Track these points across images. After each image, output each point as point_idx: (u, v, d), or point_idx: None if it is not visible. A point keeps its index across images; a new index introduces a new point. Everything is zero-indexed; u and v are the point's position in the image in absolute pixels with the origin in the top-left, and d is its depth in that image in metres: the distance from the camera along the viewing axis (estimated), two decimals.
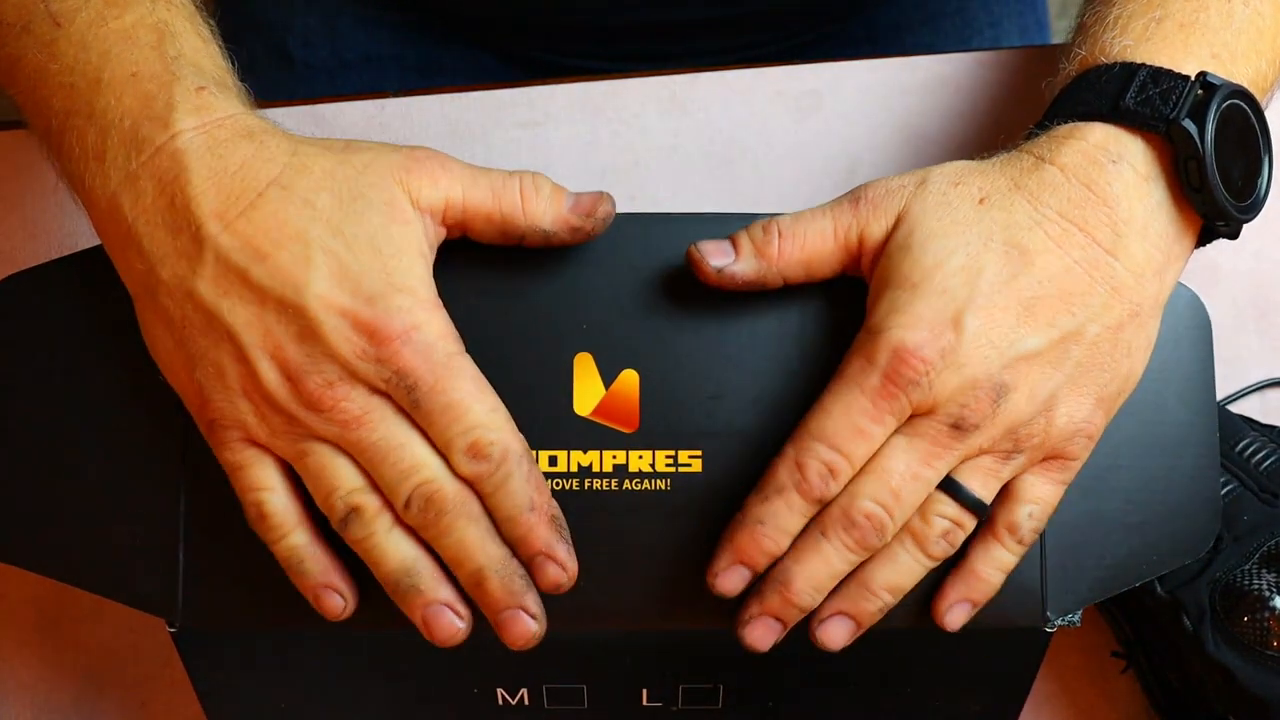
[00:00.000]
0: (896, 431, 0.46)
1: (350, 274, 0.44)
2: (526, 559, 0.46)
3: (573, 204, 0.47)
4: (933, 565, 0.48)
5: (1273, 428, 0.59)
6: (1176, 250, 0.48)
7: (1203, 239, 0.49)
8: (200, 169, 0.45)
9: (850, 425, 0.45)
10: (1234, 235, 0.49)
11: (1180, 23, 0.49)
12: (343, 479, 0.46)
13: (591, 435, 0.49)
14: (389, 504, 0.46)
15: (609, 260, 0.49)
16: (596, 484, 0.49)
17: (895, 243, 0.47)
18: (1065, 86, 0.50)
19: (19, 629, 0.61)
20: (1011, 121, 0.63)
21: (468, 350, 0.46)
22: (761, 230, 0.48)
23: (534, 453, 0.48)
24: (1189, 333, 0.51)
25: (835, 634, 0.48)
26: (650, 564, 0.49)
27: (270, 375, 0.45)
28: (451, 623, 0.47)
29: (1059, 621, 0.50)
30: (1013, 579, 0.49)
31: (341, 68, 0.78)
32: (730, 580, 0.47)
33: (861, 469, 0.46)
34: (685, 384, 0.49)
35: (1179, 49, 0.48)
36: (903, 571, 0.47)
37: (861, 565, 0.47)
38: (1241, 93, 0.48)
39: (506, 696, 0.53)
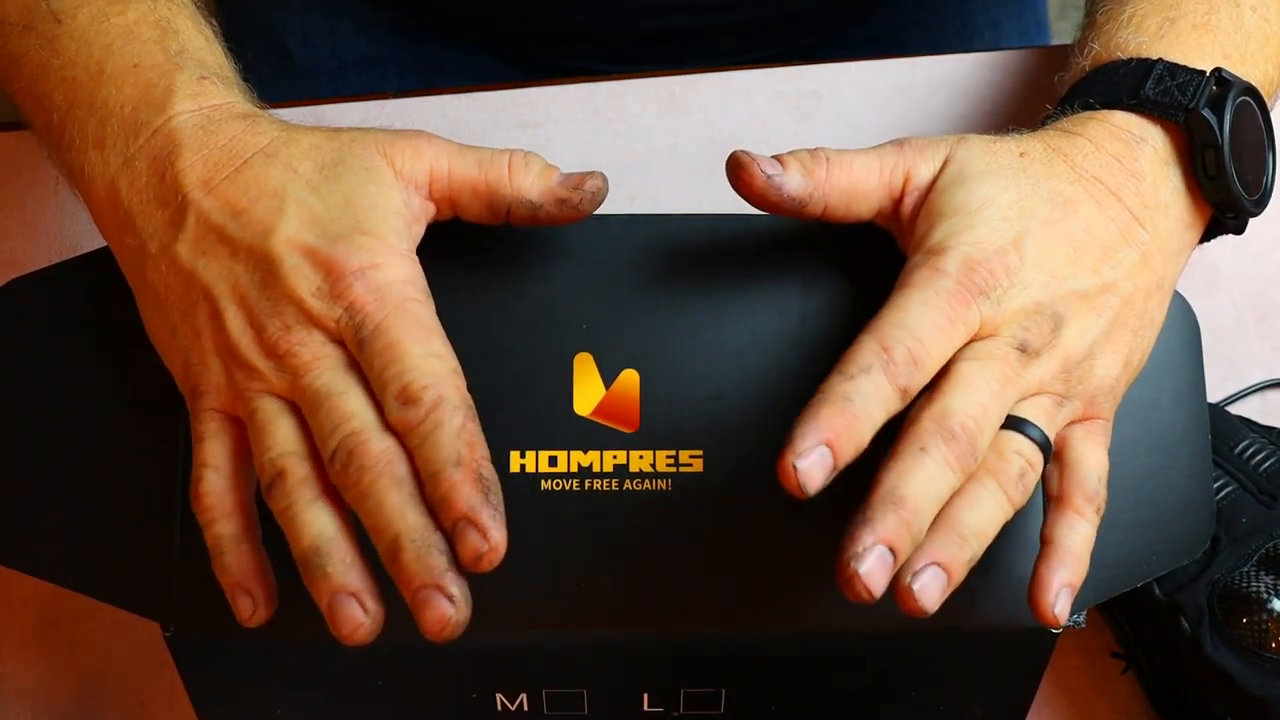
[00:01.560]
0: (965, 357, 0.44)
1: (320, 220, 0.44)
2: (448, 526, 0.41)
3: (562, 178, 0.46)
4: (1011, 512, 0.44)
5: (1272, 429, 0.59)
6: (1188, 238, 0.49)
7: (1207, 234, 0.50)
8: (191, 144, 0.45)
9: (930, 320, 0.43)
10: (1240, 229, 0.49)
11: (1193, 23, 0.50)
12: (278, 440, 0.43)
13: (592, 435, 0.49)
14: (318, 472, 0.43)
15: (609, 260, 0.49)
16: (597, 484, 0.49)
17: (946, 179, 0.47)
18: (1079, 80, 0.51)
19: (19, 630, 0.61)
20: (1012, 122, 0.63)
21: (467, 350, 0.45)
22: (809, 154, 0.47)
23: (535, 453, 0.48)
24: (1179, 335, 0.51)
25: (930, 588, 0.42)
26: (651, 565, 0.49)
27: (235, 323, 0.44)
28: (354, 615, 0.41)
29: (1065, 622, 0.50)
30: (1019, 579, 0.49)
31: (341, 69, 0.78)
32: (814, 466, 0.40)
33: (946, 384, 0.43)
34: (686, 384, 0.49)
35: (1192, 48, 0.49)
36: (986, 515, 0.43)
37: (945, 511, 0.43)
38: (1252, 90, 0.48)
39: (506, 702, 0.53)
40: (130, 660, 0.61)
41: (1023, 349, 0.44)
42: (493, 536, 0.41)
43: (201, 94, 0.46)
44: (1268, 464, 0.56)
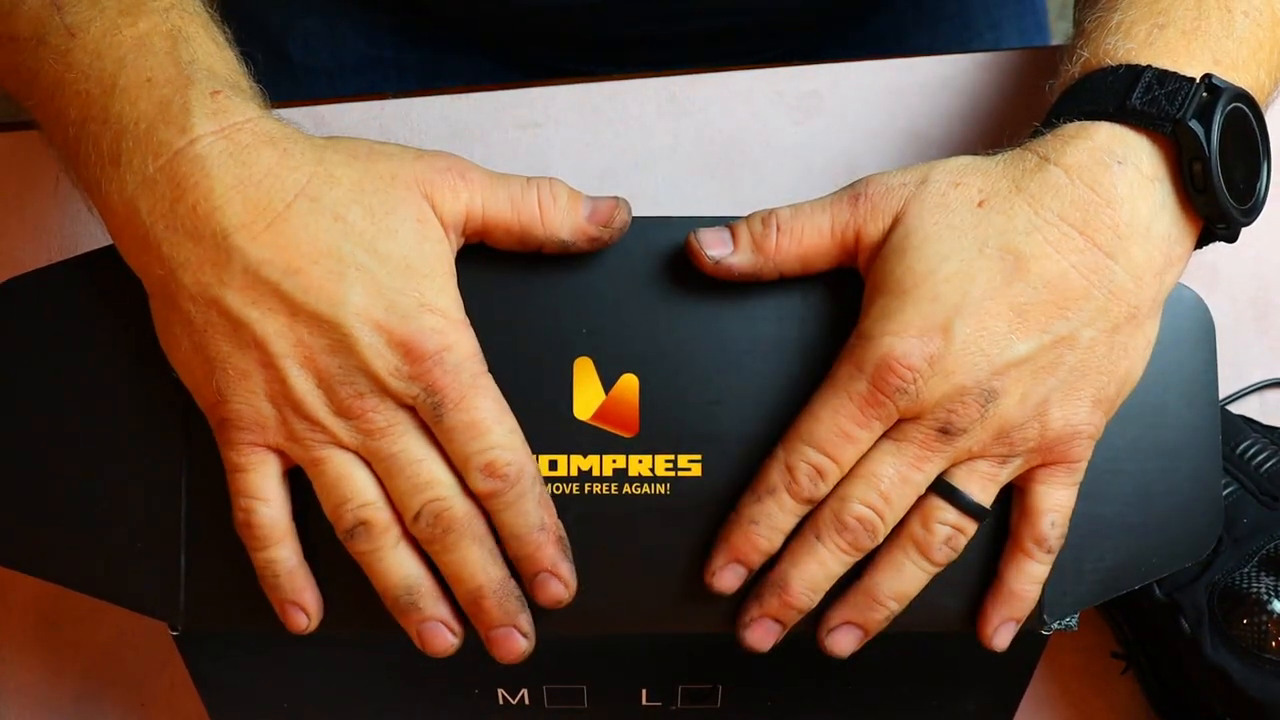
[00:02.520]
0: (885, 435, 0.47)
1: (385, 292, 0.45)
2: (530, 575, 0.48)
3: (590, 212, 0.48)
4: (937, 571, 0.48)
5: (1273, 429, 0.59)
6: (1178, 252, 0.48)
7: (1201, 241, 0.49)
8: (223, 176, 0.45)
9: (838, 430, 0.46)
10: (1232, 239, 0.49)
11: (1182, 29, 0.49)
12: (356, 491, 0.46)
13: (591, 439, 0.49)
14: (397, 518, 0.47)
15: (609, 264, 0.49)
16: (596, 488, 0.49)
17: (891, 245, 0.47)
18: (1069, 88, 0.50)
19: (19, 630, 0.61)
20: (1011, 122, 0.63)
21: None
22: (760, 223, 0.48)
23: (535, 457, 0.48)
24: (1191, 334, 0.51)
25: (843, 643, 0.49)
26: (650, 567, 0.49)
27: (302, 383, 0.45)
28: (445, 637, 0.48)
29: (1055, 625, 0.50)
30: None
31: (341, 71, 0.78)
32: (726, 579, 0.48)
33: (853, 472, 0.47)
34: (685, 388, 0.49)
35: (1182, 55, 0.48)
36: (908, 580, 0.48)
37: (867, 575, 0.48)
38: (1244, 96, 0.48)
39: (507, 696, 0.54)
40: (130, 661, 0.61)
41: (945, 430, 0.46)
42: (571, 585, 0.48)
43: (219, 111, 0.46)
44: (1269, 464, 0.56)
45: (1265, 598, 0.53)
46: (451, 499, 0.46)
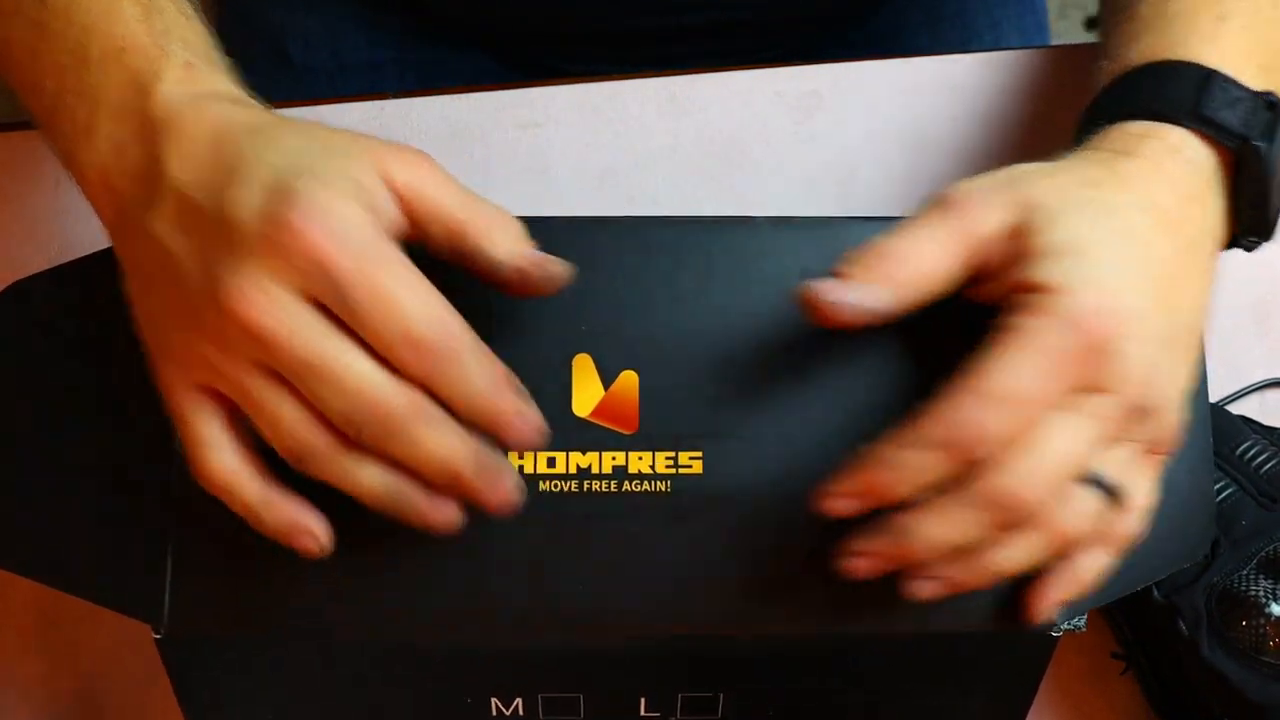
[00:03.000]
0: (1066, 408, 0.41)
1: (282, 179, 0.42)
2: (494, 429, 0.43)
3: (531, 253, 0.45)
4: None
5: (1273, 429, 0.59)
6: (1216, 259, 0.48)
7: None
8: (179, 123, 0.44)
9: (1020, 390, 0.40)
10: (1250, 249, 0.49)
11: (1242, 24, 0.48)
12: (285, 415, 0.43)
13: (590, 436, 0.49)
14: (338, 433, 0.43)
15: (608, 262, 0.49)
16: (596, 485, 0.49)
17: (1036, 221, 0.43)
18: (1127, 73, 0.49)
19: (19, 630, 0.61)
20: (1011, 122, 0.63)
21: None
22: (862, 256, 0.44)
23: (533, 454, 0.48)
24: None
25: (929, 591, 0.44)
26: (651, 567, 0.49)
27: (201, 297, 0.42)
28: (446, 517, 0.44)
29: (1065, 626, 0.50)
30: (1021, 583, 0.49)
31: (341, 71, 0.78)
32: (840, 506, 0.43)
33: (1026, 446, 0.41)
34: (685, 385, 0.49)
35: (1241, 54, 0.48)
36: (1016, 559, 0.44)
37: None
38: None
39: (501, 707, 0.53)
40: (130, 662, 0.61)
41: (1141, 407, 0.42)
42: (538, 422, 0.44)
43: (188, 79, 0.45)
44: (1268, 466, 0.56)
45: (1263, 600, 0.53)
46: (388, 396, 0.42)
